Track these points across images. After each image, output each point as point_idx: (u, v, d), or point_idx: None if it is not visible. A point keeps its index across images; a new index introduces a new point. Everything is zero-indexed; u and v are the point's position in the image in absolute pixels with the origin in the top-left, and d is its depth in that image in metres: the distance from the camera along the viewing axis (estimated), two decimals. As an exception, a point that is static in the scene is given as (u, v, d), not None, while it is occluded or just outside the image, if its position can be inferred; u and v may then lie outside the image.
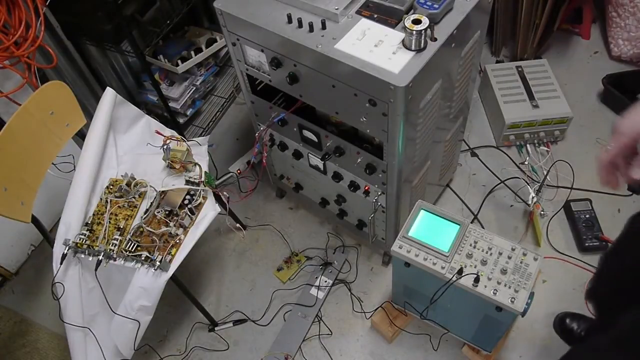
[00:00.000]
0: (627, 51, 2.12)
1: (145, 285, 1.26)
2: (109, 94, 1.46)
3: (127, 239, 1.30)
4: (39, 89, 1.34)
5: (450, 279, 1.15)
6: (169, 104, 2.04)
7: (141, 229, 1.32)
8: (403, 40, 1.07)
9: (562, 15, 2.05)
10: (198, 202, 1.38)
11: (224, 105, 2.28)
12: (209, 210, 1.37)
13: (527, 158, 1.91)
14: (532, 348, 1.51)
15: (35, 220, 1.36)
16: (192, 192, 1.39)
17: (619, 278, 1.21)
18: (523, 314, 1.10)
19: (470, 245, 1.20)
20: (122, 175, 1.42)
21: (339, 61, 1.07)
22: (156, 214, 1.34)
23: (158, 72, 2.08)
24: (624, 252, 1.18)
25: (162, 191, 1.39)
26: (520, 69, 2.01)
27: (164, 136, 1.39)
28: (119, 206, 1.37)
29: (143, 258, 1.26)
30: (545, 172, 1.78)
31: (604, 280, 1.30)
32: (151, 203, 1.36)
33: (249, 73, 1.38)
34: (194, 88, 2.13)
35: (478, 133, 2.04)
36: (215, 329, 1.65)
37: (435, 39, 1.07)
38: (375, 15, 1.13)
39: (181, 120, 2.15)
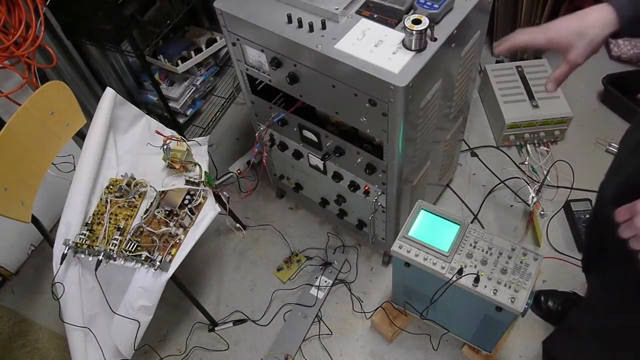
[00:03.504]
0: (627, 51, 2.12)
1: (145, 285, 1.26)
2: (109, 94, 1.46)
3: (127, 239, 1.30)
4: (39, 89, 1.34)
5: (450, 279, 1.15)
6: (169, 104, 2.04)
7: (141, 229, 1.32)
8: (403, 40, 1.07)
9: (562, 15, 2.05)
10: (198, 202, 1.38)
11: (224, 105, 2.28)
12: (209, 210, 1.37)
13: (527, 158, 1.91)
14: (532, 348, 1.51)
15: (35, 220, 1.36)
16: (192, 192, 1.39)
17: (591, 245, 1.27)
18: (523, 314, 1.10)
19: (470, 245, 1.20)
20: (122, 175, 1.42)
21: (339, 61, 1.07)
22: (156, 214, 1.34)
23: (158, 72, 2.08)
24: (595, 217, 1.22)
25: (162, 191, 1.38)
26: (520, 69, 2.01)
27: (164, 136, 1.39)
28: (119, 206, 1.37)
29: (143, 258, 1.26)
30: (545, 172, 1.78)
31: (586, 247, 1.36)
32: (151, 203, 1.36)
33: (249, 73, 1.38)
34: (194, 88, 2.13)
35: (478, 133, 2.04)
36: (215, 329, 1.65)
37: (435, 39, 1.07)
38: (375, 15, 1.13)
39: (181, 120, 2.15)
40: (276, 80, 1.31)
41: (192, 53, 2.02)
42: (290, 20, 1.15)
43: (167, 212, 1.35)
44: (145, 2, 1.86)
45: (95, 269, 1.26)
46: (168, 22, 1.85)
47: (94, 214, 1.36)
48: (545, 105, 1.88)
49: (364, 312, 1.63)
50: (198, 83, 2.14)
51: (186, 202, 1.37)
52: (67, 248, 1.26)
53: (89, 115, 1.47)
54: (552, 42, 0.84)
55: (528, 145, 1.95)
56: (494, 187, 1.87)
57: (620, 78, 2.03)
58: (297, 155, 1.54)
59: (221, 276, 1.78)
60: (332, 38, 1.11)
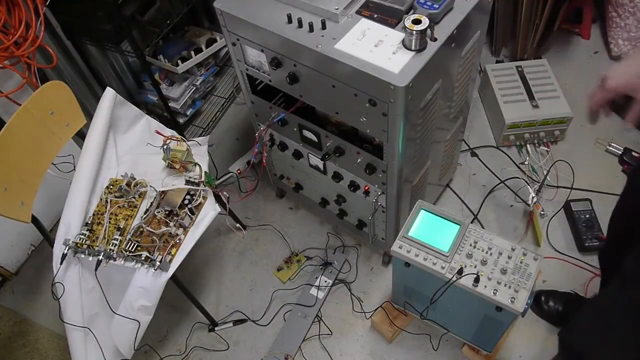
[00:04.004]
0: (627, 51, 2.12)
1: (145, 285, 1.26)
2: (109, 94, 1.46)
3: (127, 239, 1.30)
4: (39, 89, 1.34)
5: (450, 279, 1.15)
6: (169, 104, 2.04)
7: (141, 229, 1.32)
8: (403, 40, 1.07)
9: (562, 15, 2.05)
10: (198, 202, 1.38)
11: (224, 105, 2.28)
12: (209, 210, 1.37)
13: (527, 158, 1.91)
14: (532, 348, 1.51)
15: (35, 220, 1.36)
16: (192, 192, 1.39)
17: (619, 232, 1.23)
18: (523, 314, 1.10)
19: (470, 245, 1.20)
20: (122, 175, 1.42)
21: (339, 61, 1.07)
22: (156, 214, 1.34)
23: (158, 72, 2.08)
24: (624, 205, 1.21)
25: (162, 191, 1.39)
26: (520, 69, 2.00)
27: (164, 136, 1.39)
28: (119, 206, 1.37)
29: (143, 258, 1.26)
30: (545, 172, 1.77)
31: (609, 237, 1.32)
32: (151, 203, 1.36)
33: (249, 73, 1.38)
34: (194, 88, 2.13)
35: (478, 133, 2.04)
36: (215, 329, 1.65)
37: (435, 39, 1.07)
38: (375, 15, 1.13)
39: (181, 120, 2.15)
40: (276, 80, 1.31)
41: (192, 53, 2.02)
42: (290, 20, 1.15)
43: (167, 212, 1.35)
44: (145, 2, 1.86)
45: (95, 269, 1.26)
46: (168, 22, 1.85)
47: (94, 214, 1.36)
48: (545, 105, 1.88)
49: (364, 312, 1.63)
50: (198, 83, 2.14)
51: (186, 202, 1.37)
52: (67, 248, 1.26)
53: (89, 115, 1.47)
54: (621, 89, 0.91)
55: (528, 145, 1.95)
56: (494, 187, 1.87)
57: (620, 78, 2.02)
58: (297, 155, 1.54)
59: (221, 276, 1.78)
60: (332, 38, 1.11)
